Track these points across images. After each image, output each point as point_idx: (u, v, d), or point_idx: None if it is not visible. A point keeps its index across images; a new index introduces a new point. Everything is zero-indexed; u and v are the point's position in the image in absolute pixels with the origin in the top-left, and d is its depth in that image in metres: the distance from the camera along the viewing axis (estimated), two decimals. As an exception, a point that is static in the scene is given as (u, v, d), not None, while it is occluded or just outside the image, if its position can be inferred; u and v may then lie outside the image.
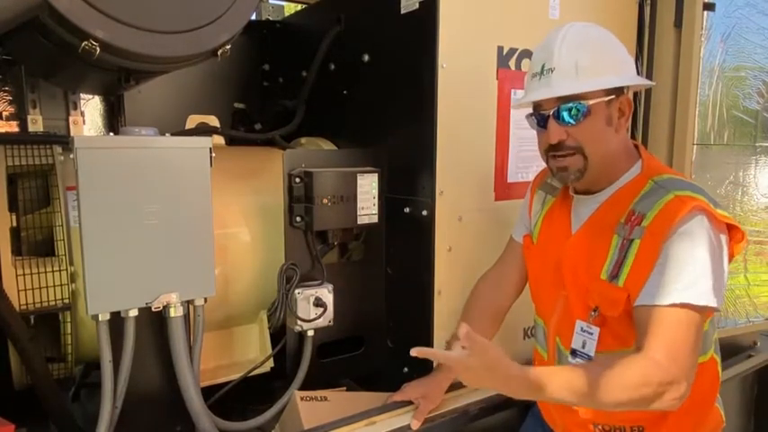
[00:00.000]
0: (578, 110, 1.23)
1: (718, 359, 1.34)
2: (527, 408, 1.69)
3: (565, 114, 1.24)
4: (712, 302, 1.13)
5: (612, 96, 1.25)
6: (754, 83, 2.10)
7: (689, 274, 1.14)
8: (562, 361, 1.38)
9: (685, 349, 1.13)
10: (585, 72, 1.23)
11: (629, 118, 1.30)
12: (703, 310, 1.14)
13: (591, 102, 1.23)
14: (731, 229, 1.22)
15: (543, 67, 1.27)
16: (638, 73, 1.34)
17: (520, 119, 1.78)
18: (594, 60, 1.24)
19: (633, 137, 2.10)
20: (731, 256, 1.23)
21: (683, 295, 1.13)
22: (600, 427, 1.34)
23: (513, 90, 1.75)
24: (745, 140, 2.12)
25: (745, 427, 2.52)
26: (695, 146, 2.02)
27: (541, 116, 1.29)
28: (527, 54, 1.77)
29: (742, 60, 2.07)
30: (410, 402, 1.58)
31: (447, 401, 1.62)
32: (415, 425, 1.52)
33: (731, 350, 2.28)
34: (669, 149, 2.06)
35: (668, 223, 1.16)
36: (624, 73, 1.27)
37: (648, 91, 2.09)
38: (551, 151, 1.29)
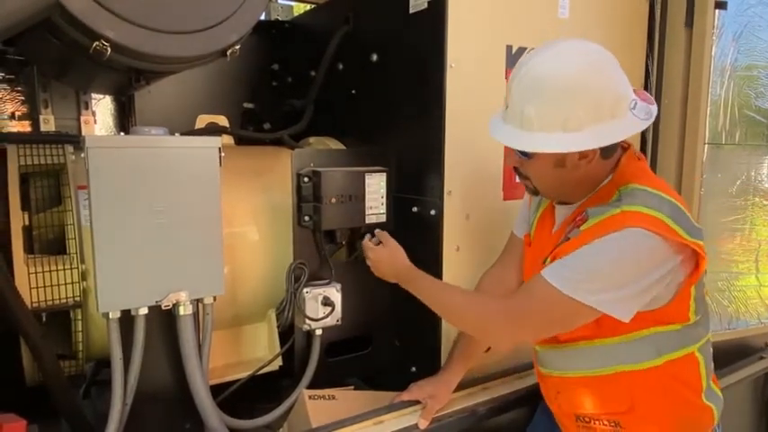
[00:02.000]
0: (522, 152, 1.26)
1: (702, 358, 1.30)
2: (535, 407, 1.69)
3: (517, 151, 1.28)
4: (587, 301, 1.14)
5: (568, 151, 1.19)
6: (767, 82, 2.07)
7: (583, 268, 1.17)
8: (539, 353, 1.45)
9: (531, 317, 1.25)
10: (529, 123, 1.18)
11: (592, 159, 1.21)
12: (575, 304, 1.15)
13: (530, 150, 1.23)
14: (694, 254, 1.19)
15: (506, 98, 1.27)
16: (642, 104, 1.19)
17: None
18: (542, 115, 1.16)
19: (644, 137, 2.08)
20: (690, 279, 1.21)
21: (564, 283, 1.16)
22: (581, 418, 1.38)
23: (521, 89, 1.74)
24: (757, 140, 2.10)
25: (757, 428, 2.50)
26: (706, 145, 2.00)
27: None
28: (536, 53, 1.77)
29: (754, 59, 2.05)
30: (417, 402, 1.58)
31: (454, 401, 1.62)
32: (423, 424, 1.52)
33: (742, 351, 2.26)
34: (680, 149, 2.04)
35: (601, 231, 1.17)
36: (583, 129, 1.15)
37: (659, 91, 2.08)
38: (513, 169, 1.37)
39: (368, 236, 1.61)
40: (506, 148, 1.37)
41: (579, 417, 1.38)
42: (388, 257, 1.55)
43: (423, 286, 1.47)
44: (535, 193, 1.36)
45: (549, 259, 1.28)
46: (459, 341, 1.63)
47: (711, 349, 1.36)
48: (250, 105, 2.50)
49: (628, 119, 1.18)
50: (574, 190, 1.31)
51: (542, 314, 1.24)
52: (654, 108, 1.21)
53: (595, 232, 1.18)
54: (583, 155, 1.20)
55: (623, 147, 1.32)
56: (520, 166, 1.32)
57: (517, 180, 1.38)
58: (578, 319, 1.21)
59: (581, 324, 1.24)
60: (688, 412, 1.31)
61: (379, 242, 1.59)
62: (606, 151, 1.23)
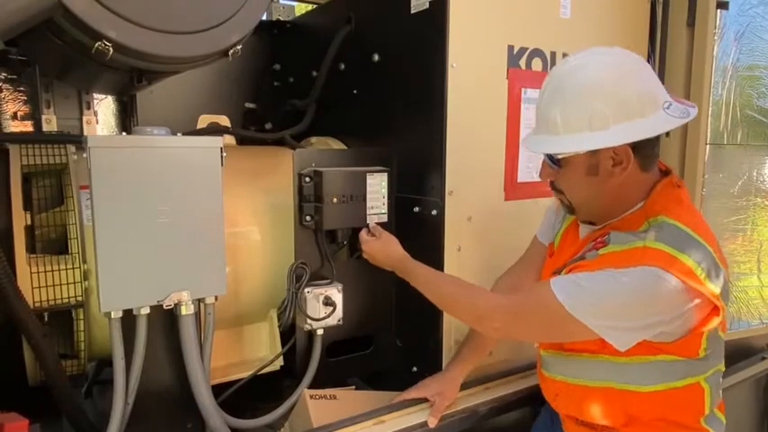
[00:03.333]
0: (552, 161, 1.25)
1: (708, 387, 1.25)
2: (536, 407, 1.68)
3: (549, 160, 1.27)
4: (587, 323, 1.12)
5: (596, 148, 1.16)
6: (769, 82, 2.07)
7: (591, 292, 1.13)
8: (543, 356, 1.44)
9: (527, 318, 1.26)
10: (556, 128, 1.18)
11: (627, 166, 1.17)
12: (574, 321, 1.13)
13: (560, 156, 1.22)
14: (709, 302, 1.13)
15: (537, 109, 1.27)
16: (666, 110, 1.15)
17: (530, 118, 1.77)
18: (566, 116, 1.16)
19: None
20: (702, 323, 1.15)
21: (569, 299, 1.14)
22: (581, 422, 1.37)
23: (522, 89, 1.74)
24: (758, 140, 2.10)
25: (758, 428, 2.50)
26: (708, 146, 2.00)
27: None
28: (537, 53, 1.77)
29: (756, 59, 2.05)
30: (421, 400, 1.58)
31: (456, 401, 1.62)
32: (432, 422, 1.52)
33: (744, 352, 2.26)
34: (682, 149, 2.04)
35: (618, 262, 1.13)
36: (610, 126, 1.12)
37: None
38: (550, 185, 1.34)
39: (365, 229, 1.66)
40: (542, 165, 1.32)
41: (579, 420, 1.38)
42: (381, 248, 1.60)
43: (417, 274, 1.50)
44: (570, 210, 1.32)
45: (563, 271, 1.26)
46: (466, 340, 1.64)
47: (721, 379, 1.31)
48: (252, 105, 2.50)
49: (660, 117, 1.14)
50: (607, 206, 1.26)
51: (540, 319, 1.24)
52: (693, 110, 1.17)
53: (612, 261, 1.15)
54: (617, 161, 1.17)
55: (663, 170, 1.28)
56: (555, 179, 1.29)
57: (555, 197, 1.36)
58: (575, 335, 1.20)
59: (577, 339, 1.23)
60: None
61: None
62: (644, 161, 1.19)
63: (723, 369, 1.31)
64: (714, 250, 1.15)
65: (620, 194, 1.23)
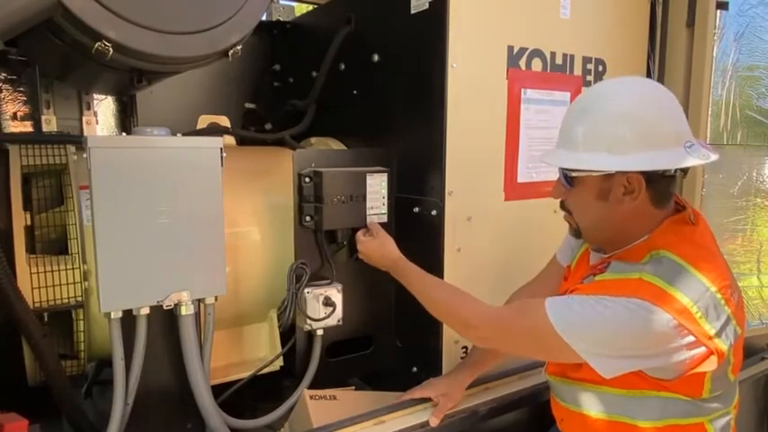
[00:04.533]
0: (566, 178, 1.25)
1: (711, 431, 1.21)
2: (536, 407, 1.68)
3: (563, 177, 1.26)
4: (574, 346, 1.12)
5: (611, 172, 1.16)
6: (768, 82, 2.08)
7: (581, 316, 1.12)
8: (549, 381, 1.43)
9: (514, 332, 1.27)
10: (576, 145, 1.19)
11: (638, 196, 1.16)
12: (562, 343, 1.13)
13: (576, 174, 1.22)
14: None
15: (562, 125, 1.27)
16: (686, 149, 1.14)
17: (530, 119, 1.78)
18: (588, 135, 1.17)
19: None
20: (690, 367, 1.10)
21: (559, 321, 1.13)
22: None
23: (522, 89, 1.74)
24: (758, 140, 2.10)
25: (758, 428, 2.50)
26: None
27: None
28: (537, 54, 1.77)
29: (755, 59, 2.05)
30: (422, 401, 1.58)
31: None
32: (434, 422, 1.52)
33: (744, 352, 2.25)
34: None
35: (612, 290, 1.13)
36: (630, 153, 1.12)
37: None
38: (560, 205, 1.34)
39: (363, 230, 1.67)
40: (556, 183, 1.31)
41: None
42: (377, 248, 1.61)
43: (411, 277, 1.51)
44: (577, 233, 1.32)
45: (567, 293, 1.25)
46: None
47: (732, 422, 1.26)
48: (252, 106, 2.50)
49: (679, 153, 1.14)
50: (612, 234, 1.25)
51: (527, 335, 1.25)
52: (714, 156, 1.16)
53: (606, 288, 1.14)
54: (628, 189, 1.16)
55: (678, 208, 1.26)
56: (565, 198, 1.30)
57: (563, 217, 1.34)
58: (560, 356, 1.22)
59: (561, 360, 1.25)
60: None
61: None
62: (656, 196, 1.19)
63: (734, 412, 1.27)
64: (720, 289, 1.12)
65: (626, 224, 1.22)
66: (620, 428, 1.24)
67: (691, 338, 1.07)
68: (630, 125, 1.14)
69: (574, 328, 1.13)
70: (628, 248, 1.23)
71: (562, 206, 1.33)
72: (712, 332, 1.09)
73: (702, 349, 1.09)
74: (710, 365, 1.10)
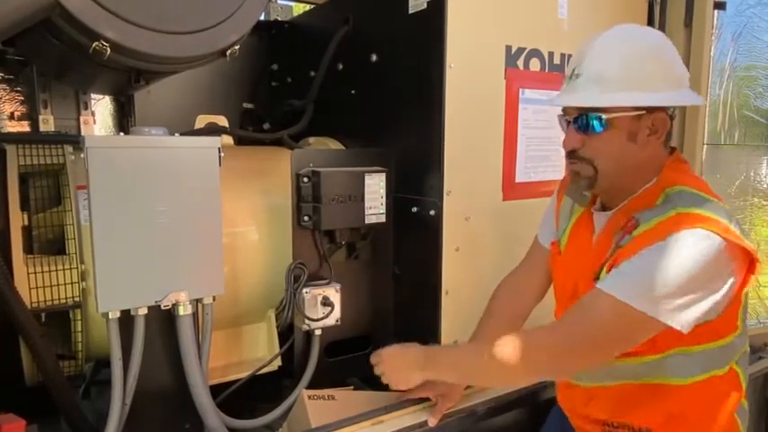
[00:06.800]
0: (598, 121, 1.19)
1: (741, 371, 1.26)
2: (535, 407, 1.68)
3: (584, 124, 1.21)
4: (649, 311, 1.07)
5: (642, 112, 1.17)
6: (766, 82, 2.08)
7: (642, 273, 1.10)
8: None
9: (596, 340, 1.16)
10: (609, 84, 1.16)
11: (661, 136, 1.20)
12: (637, 314, 1.08)
13: (612, 115, 1.18)
14: (747, 256, 1.12)
15: (573, 71, 1.23)
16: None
17: (528, 118, 1.78)
18: (622, 73, 1.16)
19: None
20: (742, 284, 1.14)
21: (624, 292, 1.10)
22: (609, 424, 1.33)
23: (521, 89, 1.75)
24: (756, 140, 2.10)
25: (756, 428, 2.50)
26: (705, 146, 2.01)
27: (565, 120, 1.27)
28: (535, 53, 1.77)
29: (753, 59, 2.05)
30: (421, 401, 1.58)
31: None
32: (432, 422, 1.52)
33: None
34: (679, 149, 2.04)
35: (657, 235, 1.11)
36: (661, 91, 1.16)
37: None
38: (567, 156, 1.28)
39: (372, 356, 1.52)
40: (569, 133, 1.26)
41: (607, 423, 1.32)
42: (400, 353, 1.47)
43: (446, 362, 1.38)
44: (590, 183, 1.26)
45: (604, 270, 1.21)
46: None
47: (748, 358, 1.30)
48: (250, 105, 2.50)
49: (692, 92, 1.23)
50: (629, 179, 1.24)
51: (606, 332, 1.15)
52: (701, 98, 1.28)
53: (651, 236, 1.12)
54: (653, 130, 1.19)
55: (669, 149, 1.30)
56: (581, 146, 1.23)
57: (569, 168, 1.29)
58: (641, 332, 1.13)
59: (643, 339, 1.15)
60: (721, 422, 1.26)
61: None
62: (668, 139, 1.24)
63: (749, 350, 1.30)
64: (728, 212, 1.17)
65: (642, 168, 1.23)
66: (662, 390, 1.23)
67: (738, 254, 1.11)
68: (662, 64, 1.18)
69: (640, 290, 1.09)
70: (638, 195, 1.23)
71: (573, 157, 1.26)
72: (751, 246, 1.13)
73: (746, 264, 1.13)
74: (752, 281, 1.15)
